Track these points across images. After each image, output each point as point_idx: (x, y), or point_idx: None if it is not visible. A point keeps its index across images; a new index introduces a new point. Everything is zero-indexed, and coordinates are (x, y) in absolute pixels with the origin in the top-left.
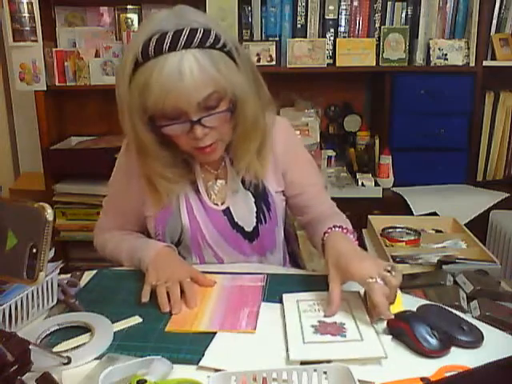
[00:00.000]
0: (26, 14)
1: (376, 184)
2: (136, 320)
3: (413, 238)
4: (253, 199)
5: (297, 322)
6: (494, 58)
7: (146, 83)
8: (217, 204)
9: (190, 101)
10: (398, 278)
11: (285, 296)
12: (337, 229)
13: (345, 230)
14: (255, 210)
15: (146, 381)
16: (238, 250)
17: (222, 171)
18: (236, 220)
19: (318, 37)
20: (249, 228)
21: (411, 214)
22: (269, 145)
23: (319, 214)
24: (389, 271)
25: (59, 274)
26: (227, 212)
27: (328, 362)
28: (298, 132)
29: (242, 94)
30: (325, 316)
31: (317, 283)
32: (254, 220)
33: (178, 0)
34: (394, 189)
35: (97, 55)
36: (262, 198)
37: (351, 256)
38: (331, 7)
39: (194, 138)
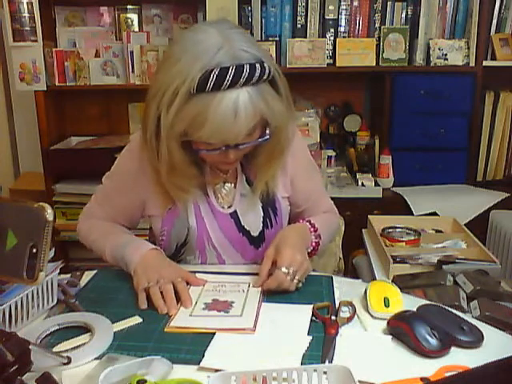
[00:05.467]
0: (26, 14)
1: (376, 184)
2: (136, 320)
3: (413, 237)
4: (260, 204)
5: (194, 299)
6: (494, 58)
7: (199, 116)
8: (224, 207)
9: (238, 136)
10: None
11: (197, 275)
12: (306, 222)
13: (312, 228)
14: (262, 214)
15: (145, 381)
16: (242, 254)
17: (231, 175)
18: (243, 224)
19: (318, 37)
20: (255, 232)
21: (411, 214)
22: (281, 173)
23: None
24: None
25: (59, 274)
26: (234, 215)
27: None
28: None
29: (281, 123)
30: (253, 286)
31: (316, 283)
32: (261, 225)
33: (179, 0)
34: (394, 189)
35: (97, 55)
36: (269, 203)
37: (289, 243)
38: (331, 7)
39: (225, 158)
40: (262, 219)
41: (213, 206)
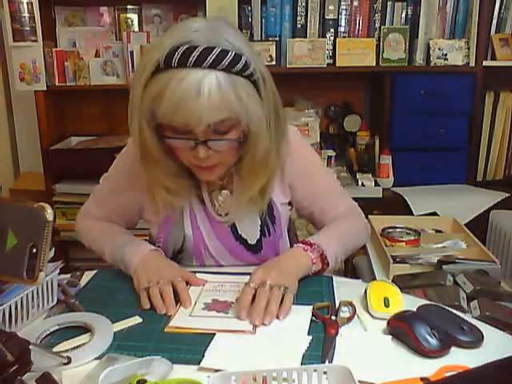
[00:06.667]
0: (26, 14)
1: (376, 184)
2: (136, 320)
3: (413, 237)
4: (258, 212)
5: (194, 299)
6: (493, 58)
7: (161, 91)
8: (221, 215)
9: (200, 121)
10: (275, 297)
11: (197, 275)
12: (300, 244)
13: (306, 246)
14: (259, 223)
15: (145, 381)
16: (240, 260)
17: (227, 182)
18: (240, 232)
19: (318, 37)
20: (252, 241)
21: (411, 214)
22: (276, 178)
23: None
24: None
25: (59, 274)
26: (231, 224)
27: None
28: None
29: (257, 128)
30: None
31: (316, 283)
32: (258, 233)
33: (179, 0)
34: (394, 189)
35: (97, 55)
36: (267, 211)
37: (268, 264)
38: (331, 7)
39: (196, 156)
40: (259, 227)
41: (209, 213)
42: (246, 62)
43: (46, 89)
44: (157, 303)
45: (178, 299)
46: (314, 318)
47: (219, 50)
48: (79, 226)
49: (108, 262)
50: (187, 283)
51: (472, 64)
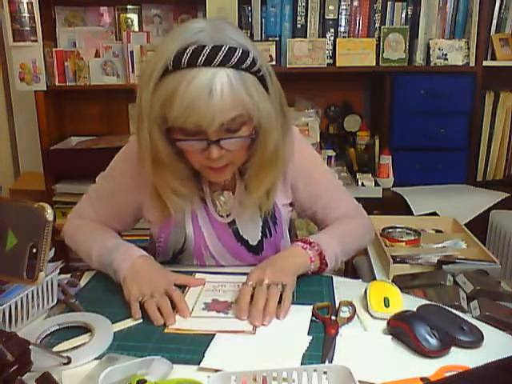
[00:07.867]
0: (26, 14)
1: (376, 184)
2: (136, 320)
3: (413, 237)
4: (259, 213)
5: (194, 299)
6: (493, 58)
7: (171, 94)
8: (222, 216)
9: (213, 120)
10: (273, 296)
11: (196, 275)
12: (299, 243)
13: (305, 245)
14: (261, 224)
15: (145, 381)
16: (240, 261)
17: (229, 183)
18: (241, 233)
19: (318, 37)
20: (253, 242)
21: (411, 214)
22: (280, 181)
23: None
24: (283, 286)
25: (59, 274)
26: (232, 225)
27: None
28: None
29: (267, 123)
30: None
31: (316, 283)
32: (260, 234)
33: (179, 0)
34: (394, 189)
35: (97, 55)
36: (269, 212)
37: (265, 262)
38: (331, 7)
39: (208, 157)
40: (260, 229)
41: (210, 214)
42: (253, 58)
43: (45, 89)
44: (154, 316)
45: (174, 306)
46: (313, 318)
47: (227, 48)
48: (67, 226)
49: (95, 267)
50: (185, 286)
51: (472, 64)
